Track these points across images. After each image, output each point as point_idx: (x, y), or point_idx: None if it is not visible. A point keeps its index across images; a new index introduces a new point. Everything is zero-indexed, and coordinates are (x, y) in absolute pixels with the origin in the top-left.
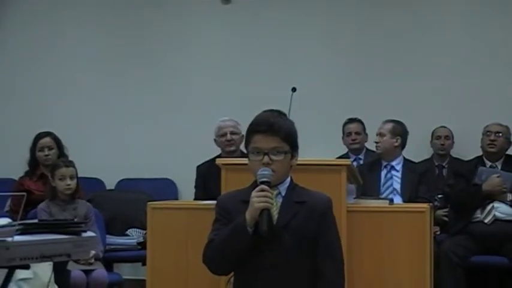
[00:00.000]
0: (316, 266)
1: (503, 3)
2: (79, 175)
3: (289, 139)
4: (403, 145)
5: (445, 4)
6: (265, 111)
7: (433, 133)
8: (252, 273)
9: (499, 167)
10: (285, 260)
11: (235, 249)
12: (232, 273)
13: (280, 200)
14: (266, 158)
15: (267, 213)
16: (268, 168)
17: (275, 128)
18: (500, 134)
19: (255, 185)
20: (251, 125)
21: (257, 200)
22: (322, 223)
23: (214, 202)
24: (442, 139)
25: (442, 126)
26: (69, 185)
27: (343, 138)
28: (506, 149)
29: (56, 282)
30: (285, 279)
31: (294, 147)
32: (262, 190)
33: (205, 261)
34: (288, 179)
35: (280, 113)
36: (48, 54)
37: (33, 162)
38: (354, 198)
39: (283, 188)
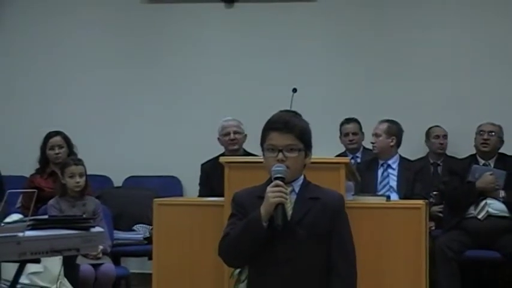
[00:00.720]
0: (330, 263)
1: (498, 6)
2: (88, 173)
3: (303, 137)
4: (398, 144)
5: (442, 7)
6: (281, 111)
7: (429, 132)
8: (266, 266)
9: (492, 165)
10: (298, 254)
11: (250, 243)
12: (235, 268)
13: (294, 196)
14: (280, 155)
15: (282, 207)
16: (282, 165)
17: (290, 126)
18: (493, 133)
19: (270, 181)
20: (267, 123)
21: (272, 195)
22: (336, 220)
23: (217, 199)
24: (441, 138)
25: (437, 126)
26: (78, 182)
27: (340, 137)
28: (499, 148)
29: (66, 275)
30: (298, 273)
31: (307, 145)
32: (277, 185)
33: (221, 254)
34: (302, 177)
35: (295, 113)
36: (57, 57)
37: (44, 160)
38: (353, 195)
39: (297, 185)
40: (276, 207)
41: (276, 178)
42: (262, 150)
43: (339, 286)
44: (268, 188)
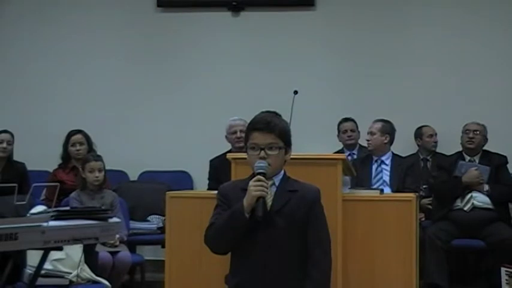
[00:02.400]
0: (307, 251)
1: (485, 6)
2: (106, 168)
3: (284, 136)
4: (391, 141)
5: (430, 12)
6: (262, 112)
7: (420, 132)
8: (248, 253)
9: (477, 161)
10: (278, 241)
11: (233, 232)
12: (219, 254)
13: (274, 189)
14: (262, 153)
15: (262, 200)
16: (264, 161)
17: (271, 126)
18: (478, 132)
19: (253, 175)
20: (250, 123)
21: (254, 188)
22: (312, 211)
23: None
24: (434, 137)
25: (427, 125)
26: (97, 177)
27: (338, 135)
28: (483, 145)
29: (86, 262)
30: (277, 259)
31: (287, 143)
32: (259, 180)
33: (207, 241)
34: (282, 172)
35: (276, 113)
36: (79, 62)
37: (66, 156)
38: (349, 188)
39: (277, 180)
40: (257, 200)
41: (258, 173)
42: (246, 148)
43: (314, 272)
44: (251, 182)
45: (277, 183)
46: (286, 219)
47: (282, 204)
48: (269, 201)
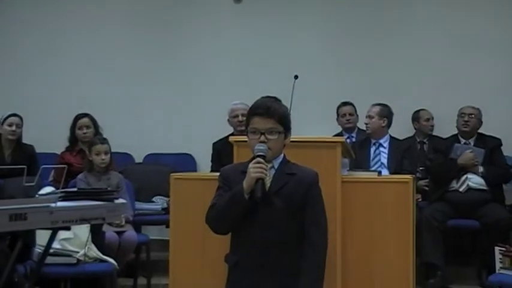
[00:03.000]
0: (304, 231)
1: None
2: (112, 150)
3: (283, 121)
4: (389, 125)
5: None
6: (263, 97)
7: (418, 115)
8: (248, 232)
9: (472, 144)
10: (276, 221)
11: (234, 212)
12: (220, 234)
13: (273, 172)
14: (262, 137)
15: (261, 182)
16: (263, 144)
17: (271, 112)
18: (473, 116)
19: (253, 159)
20: (251, 108)
21: (253, 170)
22: (309, 194)
23: None
24: (430, 120)
25: (424, 109)
26: (103, 159)
27: (337, 119)
28: (478, 128)
29: (93, 241)
30: (275, 238)
31: (287, 128)
32: (258, 162)
33: (208, 222)
34: (281, 155)
35: (276, 99)
36: (87, 47)
37: (73, 139)
38: (348, 170)
39: (276, 163)
40: (256, 181)
41: (258, 156)
42: (247, 132)
43: (310, 252)
44: (250, 165)
45: (276, 166)
46: (284, 201)
47: (280, 186)
48: (268, 183)
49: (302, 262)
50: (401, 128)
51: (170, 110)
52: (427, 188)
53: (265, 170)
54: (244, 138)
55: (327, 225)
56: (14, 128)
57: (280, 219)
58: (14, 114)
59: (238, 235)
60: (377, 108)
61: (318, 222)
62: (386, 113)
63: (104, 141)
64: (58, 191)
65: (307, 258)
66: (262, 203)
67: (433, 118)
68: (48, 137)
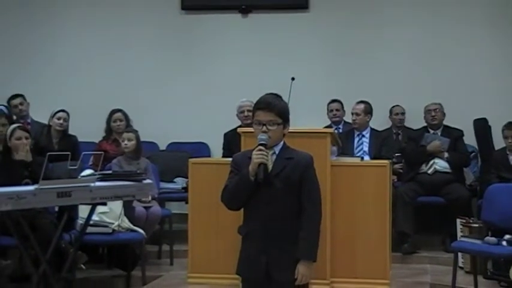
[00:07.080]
0: (301, 206)
1: (449, 6)
2: (141, 139)
3: (282, 114)
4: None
5: (401, 10)
6: (266, 94)
7: (392, 110)
8: (254, 208)
9: (439, 134)
10: (276, 199)
11: (242, 192)
12: (233, 210)
13: (274, 157)
14: (264, 128)
15: (263, 166)
16: (265, 134)
17: (271, 106)
18: (438, 110)
19: (257, 146)
20: (255, 103)
21: (256, 157)
22: (305, 174)
23: None
24: (400, 115)
25: (397, 105)
26: (126, 144)
27: (327, 113)
28: (443, 120)
29: (125, 214)
30: (277, 213)
31: (285, 120)
32: (260, 150)
33: (223, 200)
34: (282, 143)
35: (277, 95)
36: (119, 51)
37: (109, 130)
38: (336, 156)
39: (277, 149)
40: (258, 166)
41: (260, 144)
42: (252, 124)
43: (306, 223)
44: (254, 152)
45: (277, 152)
46: (283, 181)
47: (280, 169)
48: (270, 167)
49: (300, 231)
50: (380, 121)
51: (189, 106)
52: (401, 171)
53: (266, 156)
54: (251, 129)
55: (321, 200)
56: (61, 121)
57: (280, 197)
58: (62, 110)
59: (247, 211)
60: (362, 106)
61: (313, 198)
62: (369, 110)
63: (129, 130)
64: (96, 173)
65: (304, 229)
66: (264, 184)
67: (403, 113)
68: (88, 128)
